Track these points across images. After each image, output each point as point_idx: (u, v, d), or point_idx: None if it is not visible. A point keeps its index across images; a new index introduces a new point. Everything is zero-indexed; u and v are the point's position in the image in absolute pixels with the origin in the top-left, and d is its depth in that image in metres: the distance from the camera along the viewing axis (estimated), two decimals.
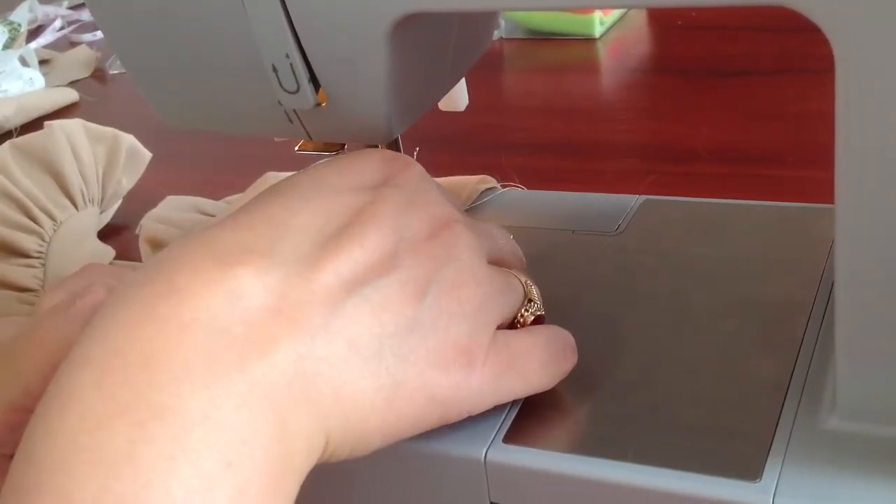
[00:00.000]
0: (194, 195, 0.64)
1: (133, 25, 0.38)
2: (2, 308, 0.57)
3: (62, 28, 1.19)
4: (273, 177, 0.60)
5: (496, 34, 0.92)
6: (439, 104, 0.44)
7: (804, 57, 0.75)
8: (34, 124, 0.88)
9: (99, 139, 0.66)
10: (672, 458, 0.32)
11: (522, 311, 0.36)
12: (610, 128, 0.72)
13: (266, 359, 0.28)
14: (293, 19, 0.34)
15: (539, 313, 0.37)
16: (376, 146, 0.42)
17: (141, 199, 0.66)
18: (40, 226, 0.61)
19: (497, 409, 0.35)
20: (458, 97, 0.45)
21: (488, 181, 0.54)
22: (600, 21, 0.89)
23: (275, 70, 0.36)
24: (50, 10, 1.23)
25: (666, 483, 0.32)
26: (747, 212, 0.46)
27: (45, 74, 1.01)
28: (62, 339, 0.33)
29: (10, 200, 0.61)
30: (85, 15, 1.20)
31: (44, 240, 0.61)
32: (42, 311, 0.35)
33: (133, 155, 0.68)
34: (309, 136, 0.40)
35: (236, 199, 0.62)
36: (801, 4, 0.26)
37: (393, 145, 0.44)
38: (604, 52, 0.88)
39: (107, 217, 0.68)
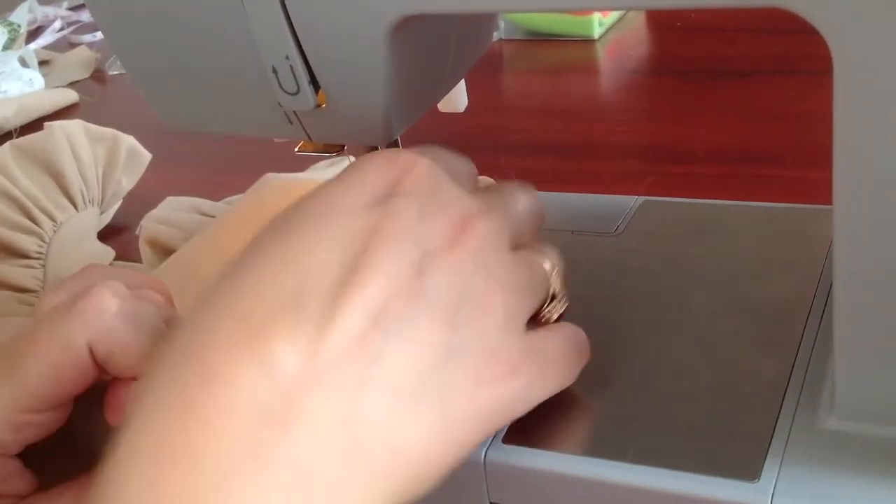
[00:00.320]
0: (194, 196, 0.64)
1: (133, 26, 0.38)
2: (2, 309, 0.57)
3: (62, 29, 1.19)
4: (273, 178, 0.60)
5: (495, 35, 0.92)
6: (439, 105, 0.45)
7: (803, 58, 0.75)
8: (34, 125, 0.88)
9: (99, 140, 0.66)
10: (671, 459, 0.32)
11: (546, 310, 0.36)
12: (609, 129, 0.73)
13: (312, 436, 0.27)
14: (293, 21, 0.34)
15: (562, 311, 0.37)
16: (376, 147, 0.42)
17: (141, 200, 0.66)
18: (40, 226, 0.61)
19: None
20: (457, 98, 0.45)
21: (487, 182, 0.54)
22: (599, 22, 0.90)
23: (275, 71, 0.36)
24: (50, 10, 1.23)
25: (665, 483, 0.32)
26: (746, 212, 0.46)
27: (44, 75, 1.01)
28: (63, 340, 0.33)
29: (10, 201, 0.61)
30: (85, 16, 1.21)
31: (44, 240, 0.61)
32: (42, 312, 0.35)
33: (133, 156, 0.68)
34: (309, 137, 0.40)
35: (236, 200, 0.62)
36: (798, 6, 0.27)
37: (392, 146, 0.44)
38: (603, 54, 0.88)
39: (107, 218, 0.68)
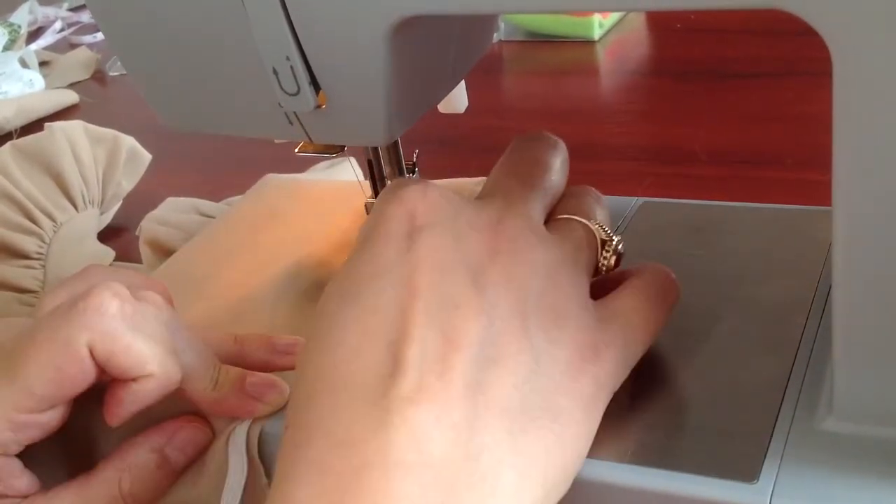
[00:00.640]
0: (194, 197, 0.64)
1: (134, 27, 0.38)
2: (2, 309, 0.57)
3: (62, 30, 1.19)
4: (273, 178, 0.60)
5: (495, 36, 0.92)
6: (439, 106, 0.45)
7: (802, 60, 0.75)
8: (34, 126, 0.88)
9: (99, 141, 0.66)
10: (670, 459, 0.32)
11: (602, 259, 0.36)
12: (609, 130, 0.73)
13: (438, 478, 0.28)
14: (294, 22, 0.34)
15: (620, 250, 0.37)
16: (376, 148, 0.42)
17: (141, 201, 0.66)
18: (40, 227, 0.61)
19: None
20: (457, 99, 0.45)
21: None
22: (599, 24, 0.90)
23: (275, 72, 0.36)
24: (50, 11, 1.23)
25: (663, 484, 0.32)
26: (746, 214, 0.46)
27: (45, 76, 1.01)
28: (63, 341, 0.33)
29: (10, 202, 0.61)
30: (85, 17, 1.21)
31: (44, 241, 0.61)
32: (43, 313, 0.35)
33: (133, 156, 0.68)
34: (309, 137, 0.40)
35: (236, 201, 0.62)
36: (797, 8, 0.27)
37: (392, 147, 0.44)
38: (603, 55, 0.88)
39: (107, 218, 0.68)
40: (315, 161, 0.67)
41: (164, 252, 0.58)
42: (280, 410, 0.37)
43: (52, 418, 0.34)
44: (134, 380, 0.34)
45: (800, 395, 0.34)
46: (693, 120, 0.70)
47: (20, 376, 0.33)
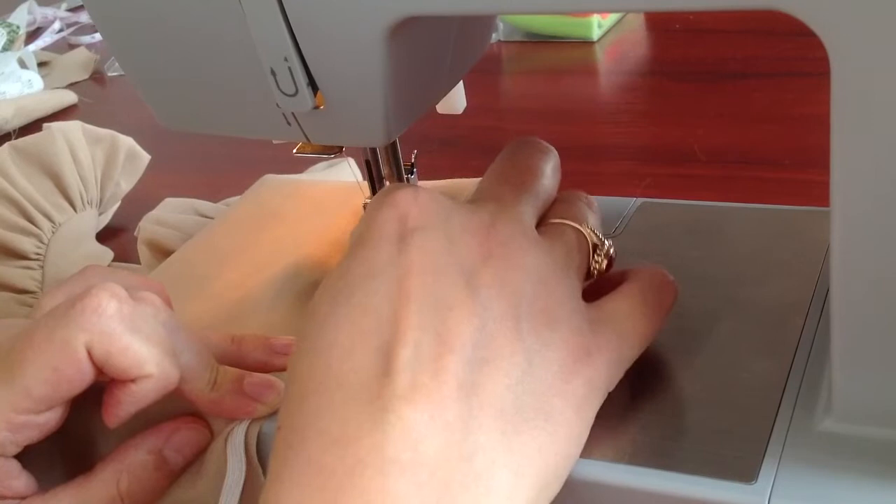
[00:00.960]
0: (193, 197, 0.64)
1: (131, 27, 0.38)
2: (0, 310, 0.57)
3: (61, 30, 1.19)
4: (271, 179, 0.60)
5: (494, 37, 0.92)
6: (437, 107, 0.45)
7: (801, 61, 0.75)
8: (33, 126, 0.88)
9: (97, 141, 0.66)
10: (668, 460, 0.32)
11: (594, 263, 0.37)
12: (608, 130, 0.73)
13: (433, 479, 0.28)
14: (291, 23, 0.34)
15: (611, 253, 0.37)
16: (374, 149, 0.42)
17: (139, 201, 0.66)
18: (39, 228, 0.61)
19: None
20: (455, 100, 0.45)
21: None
22: (598, 24, 0.90)
23: (273, 73, 0.36)
24: (49, 12, 1.23)
25: (662, 484, 0.32)
26: (744, 214, 0.46)
27: (43, 76, 1.01)
28: (61, 342, 0.33)
29: (8, 202, 0.61)
30: (84, 17, 1.21)
31: (42, 242, 0.61)
32: (41, 314, 0.35)
33: (131, 157, 0.68)
34: (307, 138, 0.40)
35: (235, 202, 0.62)
36: (796, 9, 0.27)
37: (391, 148, 0.44)
38: (602, 55, 0.88)
39: (105, 219, 0.68)
40: (313, 161, 0.67)
41: (163, 252, 0.58)
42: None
43: (50, 419, 0.34)
44: (132, 380, 0.34)
45: (798, 395, 0.34)
46: (692, 120, 0.70)
47: (18, 377, 0.33)
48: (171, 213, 0.61)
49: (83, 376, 0.33)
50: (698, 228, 0.45)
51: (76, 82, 1.02)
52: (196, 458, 0.38)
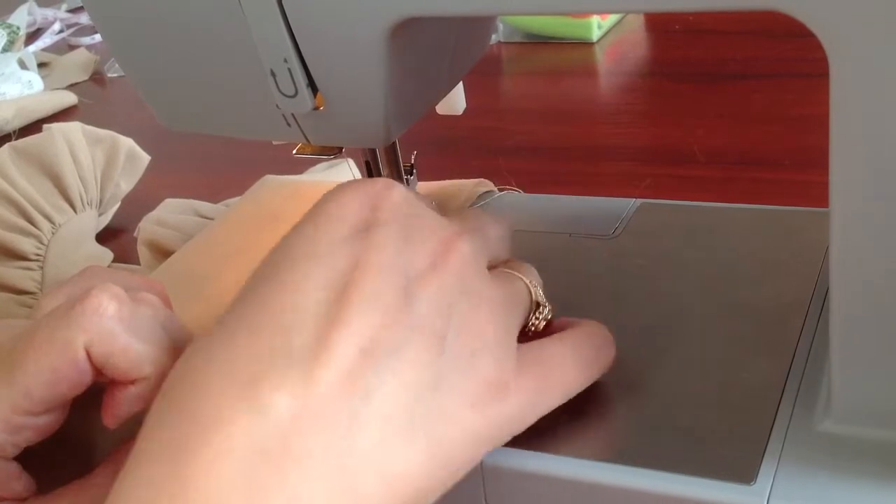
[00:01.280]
0: (192, 198, 0.64)
1: (131, 28, 0.38)
2: (0, 311, 0.57)
3: (61, 31, 1.19)
4: (271, 179, 0.60)
5: (494, 37, 0.92)
6: (437, 108, 0.45)
7: (801, 61, 0.75)
8: (33, 127, 0.88)
9: (97, 142, 0.66)
10: (667, 461, 0.32)
11: (533, 318, 0.36)
12: (607, 131, 0.73)
13: (306, 470, 0.28)
14: (291, 24, 0.34)
15: (549, 317, 0.37)
16: (374, 151, 0.42)
17: (139, 202, 0.66)
18: (39, 228, 0.61)
19: None
20: (455, 101, 0.45)
21: (485, 184, 0.54)
22: (598, 25, 0.90)
23: (273, 74, 0.36)
24: (49, 12, 1.23)
25: (660, 486, 0.32)
26: (744, 215, 0.46)
27: (43, 77, 1.01)
28: (61, 343, 0.33)
29: (8, 203, 0.61)
30: (84, 18, 1.21)
31: (42, 242, 0.61)
32: (41, 314, 0.35)
33: (131, 158, 0.68)
34: (307, 139, 0.40)
35: (234, 202, 0.62)
36: (794, 10, 0.27)
37: (390, 149, 0.44)
38: (601, 56, 0.88)
39: (105, 220, 0.68)
40: (313, 162, 0.67)
41: (163, 253, 0.58)
42: None
43: (49, 420, 0.34)
44: (132, 382, 0.34)
45: (797, 396, 0.34)
46: (691, 121, 0.70)
47: (17, 378, 0.33)
48: (170, 214, 0.61)
49: (83, 377, 0.33)
50: (697, 229, 0.45)
51: (76, 83, 1.02)
52: None
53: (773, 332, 0.37)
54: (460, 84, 0.45)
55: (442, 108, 0.45)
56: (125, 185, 0.68)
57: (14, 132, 0.87)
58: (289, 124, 0.39)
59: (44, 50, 1.14)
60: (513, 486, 0.34)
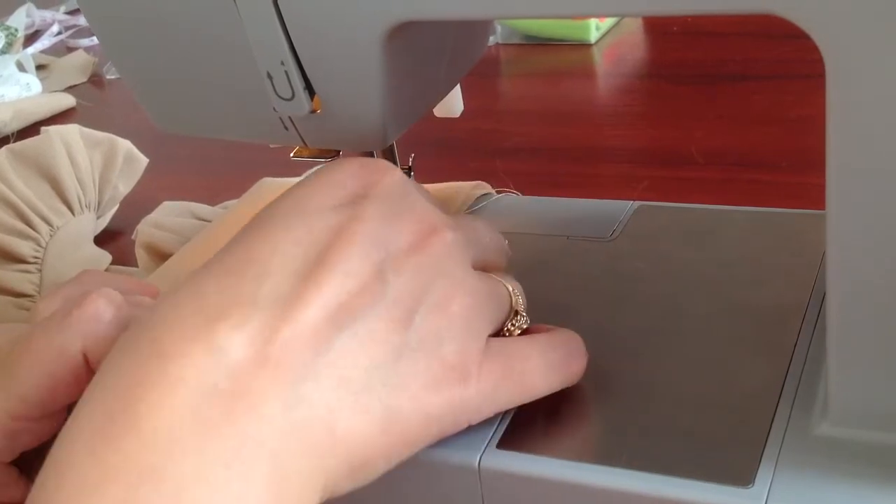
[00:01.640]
0: (190, 200, 0.64)
1: (127, 31, 0.38)
2: None
3: (59, 33, 1.19)
4: (269, 182, 0.60)
5: (492, 39, 0.92)
6: (434, 111, 0.45)
7: (799, 63, 0.75)
8: (31, 129, 0.88)
9: (96, 144, 0.66)
10: (664, 464, 0.32)
11: (508, 324, 0.36)
12: (605, 133, 0.73)
13: (255, 411, 0.28)
14: (288, 26, 0.34)
15: (525, 327, 0.37)
16: (371, 153, 0.42)
17: (137, 205, 0.66)
18: (37, 231, 0.61)
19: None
20: (453, 104, 0.45)
21: (483, 187, 0.54)
22: (596, 26, 0.90)
23: (269, 77, 0.36)
24: (47, 14, 1.23)
25: (658, 489, 0.32)
26: (742, 217, 0.46)
27: (42, 79, 1.01)
28: (57, 349, 0.33)
29: (6, 206, 0.61)
30: (82, 20, 1.20)
31: (40, 245, 0.61)
32: (38, 320, 0.35)
33: (129, 160, 0.68)
34: (304, 142, 0.40)
35: (232, 205, 0.62)
36: (789, 13, 0.27)
37: (388, 151, 0.44)
38: (600, 58, 0.88)
39: (103, 222, 0.68)
40: (310, 165, 0.66)
41: (160, 256, 0.58)
42: None
43: (46, 425, 0.34)
44: None
45: (795, 399, 0.34)
46: (689, 123, 0.70)
47: (14, 383, 0.33)
48: (168, 217, 0.61)
49: (80, 382, 0.33)
50: (695, 231, 0.45)
51: (74, 85, 1.02)
52: None
53: (771, 334, 0.37)
54: (458, 87, 0.45)
55: (439, 111, 0.45)
56: (123, 187, 0.68)
57: (12, 135, 0.87)
58: (286, 127, 0.39)
59: (42, 52, 1.14)
60: (509, 490, 0.34)
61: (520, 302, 0.37)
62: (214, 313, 0.29)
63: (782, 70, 0.76)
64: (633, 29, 0.93)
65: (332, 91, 0.36)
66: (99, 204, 0.66)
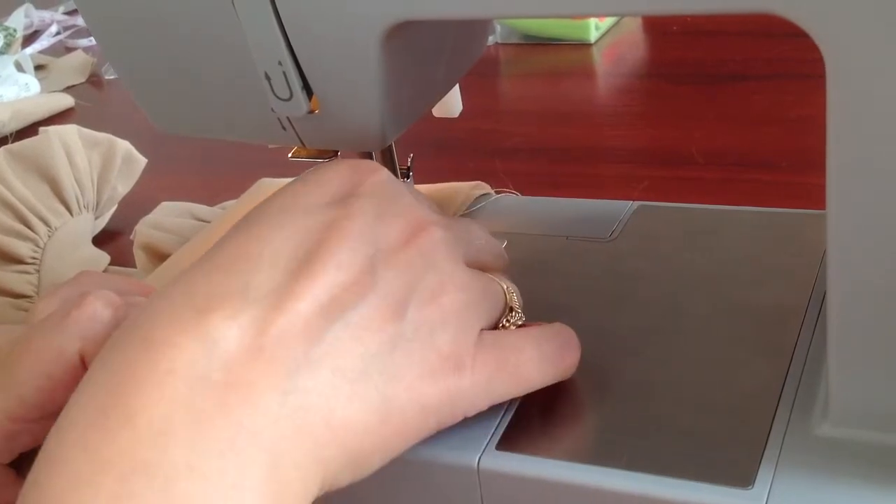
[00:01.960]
0: (189, 201, 0.64)
1: (125, 31, 0.38)
2: None
3: (58, 33, 1.19)
4: (268, 183, 0.60)
5: (491, 39, 0.92)
6: (433, 111, 0.44)
7: (800, 62, 0.75)
8: (29, 130, 0.88)
9: (94, 145, 0.66)
10: (665, 465, 0.32)
11: (504, 321, 0.36)
12: (605, 133, 0.73)
13: (249, 402, 0.28)
14: (286, 27, 0.34)
15: (520, 323, 0.37)
16: (370, 154, 0.42)
17: (136, 205, 0.66)
18: (35, 232, 0.61)
19: (490, 416, 0.35)
20: (451, 104, 0.45)
21: (482, 187, 0.54)
22: (596, 26, 0.90)
23: (268, 77, 0.36)
24: (46, 15, 1.23)
25: (658, 490, 0.32)
26: (742, 217, 0.46)
27: (40, 80, 1.01)
28: (55, 350, 0.33)
29: (4, 206, 0.61)
30: (81, 20, 1.20)
31: (39, 246, 0.61)
32: (36, 321, 0.35)
33: (128, 160, 0.68)
34: (302, 143, 0.40)
35: (231, 205, 0.62)
36: (789, 12, 0.27)
37: (387, 151, 0.44)
38: (599, 58, 0.88)
39: (102, 223, 0.68)
40: (308, 166, 0.66)
41: (159, 256, 0.58)
42: None
43: (44, 427, 0.34)
44: None
45: (795, 399, 0.34)
46: (689, 123, 0.70)
47: (12, 384, 0.33)
48: (167, 217, 0.61)
49: (78, 383, 0.33)
50: (695, 231, 0.45)
51: (73, 85, 1.02)
52: None
53: (771, 334, 0.37)
54: (456, 87, 0.44)
55: (438, 111, 0.45)
56: (122, 187, 0.68)
57: (10, 135, 0.87)
58: (284, 128, 0.39)
59: (41, 52, 1.13)
60: (509, 490, 0.34)
61: (514, 299, 0.37)
62: (206, 306, 0.29)
63: (782, 70, 0.76)
64: (633, 29, 0.93)
65: (330, 91, 0.36)
66: (97, 204, 0.66)
